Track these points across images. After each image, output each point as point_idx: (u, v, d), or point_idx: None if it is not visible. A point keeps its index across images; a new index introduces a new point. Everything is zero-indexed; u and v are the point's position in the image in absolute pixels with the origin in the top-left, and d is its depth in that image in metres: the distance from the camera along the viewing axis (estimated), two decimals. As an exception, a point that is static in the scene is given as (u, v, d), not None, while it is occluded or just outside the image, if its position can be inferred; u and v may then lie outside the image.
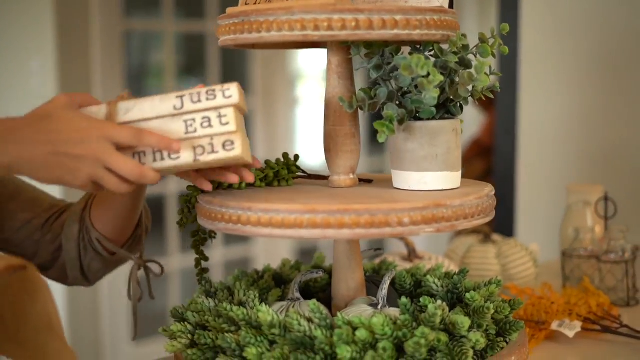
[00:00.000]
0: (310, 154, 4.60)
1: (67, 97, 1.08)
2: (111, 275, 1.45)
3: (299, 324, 1.12)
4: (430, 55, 1.21)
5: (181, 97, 1.09)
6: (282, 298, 1.35)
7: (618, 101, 2.40)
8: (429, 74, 1.13)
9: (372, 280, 1.35)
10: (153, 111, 1.10)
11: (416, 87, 1.19)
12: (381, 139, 1.14)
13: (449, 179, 1.22)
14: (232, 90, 1.10)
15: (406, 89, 1.22)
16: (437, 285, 1.30)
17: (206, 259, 1.37)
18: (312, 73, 5.62)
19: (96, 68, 3.60)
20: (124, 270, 3.94)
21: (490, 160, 3.05)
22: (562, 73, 2.51)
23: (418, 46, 1.25)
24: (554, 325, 1.44)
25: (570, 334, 1.42)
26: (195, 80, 6.07)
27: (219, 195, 1.20)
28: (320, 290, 1.41)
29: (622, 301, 1.66)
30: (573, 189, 1.89)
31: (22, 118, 1.06)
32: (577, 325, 1.43)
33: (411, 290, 1.37)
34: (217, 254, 4.00)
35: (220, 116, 1.09)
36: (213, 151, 1.08)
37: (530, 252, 1.75)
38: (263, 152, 4.16)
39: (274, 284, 1.40)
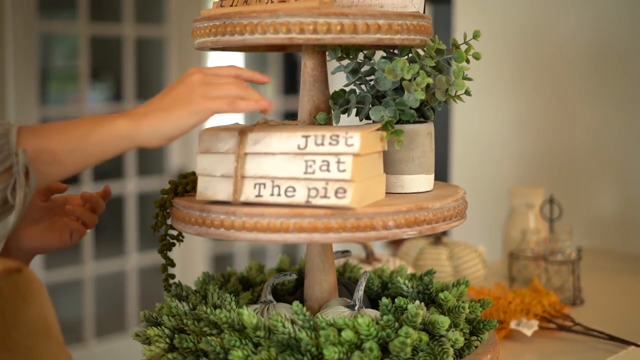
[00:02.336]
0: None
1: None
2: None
3: (284, 326, 1.12)
4: (407, 60, 1.23)
5: (306, 137, 1.11)
6: (252, 301, 1.34)
7: (555, 104, 2.47)
8: (413, 77, 1.15)
9: (339, 282, 1.36)
10: (279, 146, 1.12)
11: (395, 90, 1.21)
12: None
13: (424, 181, 1.25)
14: (355, 139, 1.09)
15: (381, 92, 1.24)
16: (407, 286, 1.32)
17: (173, 264, 1.35)
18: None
19: (9, 69, 3.50)
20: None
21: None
22: (497, 76, 2.58)
23: (392, 50, 1.27)
24: (513, 324, 1.48)
25: (529, 332, 1.47)
26: (103, 85, 5.95)
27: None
28: (287, 293, 1.42)
29: (568, 300, 1.72)
30: (515, 191, 1.94)
31: None
32: (534, 324, 1.48)
33: (378, 291, 1.39)
34: (132, 260, 3.94)
35: (339, 162, 1.09)
36: (325, 196, 1.09)
37: (479, 253, 1.79)
38: (179, 159, 4.11)
39: (241, 287, 1.39)
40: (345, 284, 1.36)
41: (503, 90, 2.56)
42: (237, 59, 5.36)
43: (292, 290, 1.43)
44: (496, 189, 2.48)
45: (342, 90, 1.28)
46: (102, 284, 4.17)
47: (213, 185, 1.15)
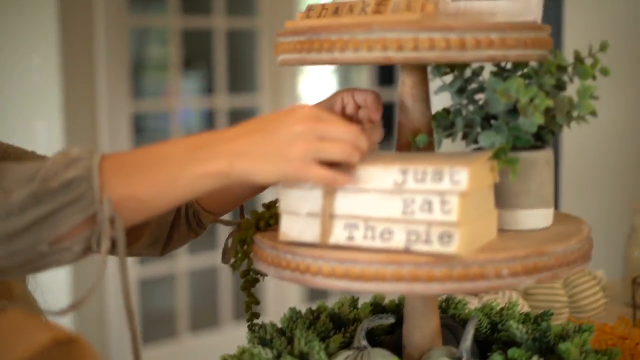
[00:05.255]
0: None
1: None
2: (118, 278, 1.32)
3: (381, 387, 0.98)
4: (522, 77, 1.07)
5: (404, 172, 0.95)
6: (344, 344, 1.20)
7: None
8: (532, 99, 0.98)
9: (442, 324, 1.21)
10: (372, 182, 0.97)
11: (509, 112, 1.05)
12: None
13: (542, 216, 1.08)
14: (461, 175, 0.93)
15: (492, 114, 1.08)
16: (520, 332, 1.16)
17: (257, 302, 1.22)
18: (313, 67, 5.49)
19: (100, 64, 3.45)
20: (130, 273, 3.78)
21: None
22: (610, 77, 2.37)
23: (502, 65, 1.10)
24: (641, 370, 1.30)
25: (660, 380, 1.29)
26: (196, 74, 5.90)
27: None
28: (383, 332, 1.27)
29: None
30: None
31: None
32: (667, 370, 1.30)
33: (487, 334, 1.23)
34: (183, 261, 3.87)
35: (443, 202, 0.93)
36: (427, 240, 0.94)
37: (598, 280, 1.60)
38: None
39: (332, 325, 1.25)
40: (450, 325, 1.21)
41: (618, 93, 2.35)
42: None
43: (389, 329, 1.28)
44: (612, 204, 2.27)
45: (446, 111, 1.12)
46: (196, 278, 4.12)
47: (298, 225, 1.01)
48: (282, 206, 1.03)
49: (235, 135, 0.95)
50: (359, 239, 0.98)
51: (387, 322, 1.17)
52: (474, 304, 1.41)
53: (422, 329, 1.13)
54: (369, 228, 0.97)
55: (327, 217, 0.99)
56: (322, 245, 0.99)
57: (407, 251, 0.95)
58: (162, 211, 0.96)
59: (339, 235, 0.99)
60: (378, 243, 0.97)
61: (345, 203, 0.99)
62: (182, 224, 1.26)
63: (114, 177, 0.92)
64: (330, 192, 0.99)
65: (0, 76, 3.63)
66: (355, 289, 0.96)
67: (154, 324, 4.08)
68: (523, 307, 1.42)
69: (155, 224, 1.25)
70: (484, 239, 1.01)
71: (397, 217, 0.96)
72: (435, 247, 0.94)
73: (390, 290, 0.96)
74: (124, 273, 0.96)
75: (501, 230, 1.07)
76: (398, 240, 0.96)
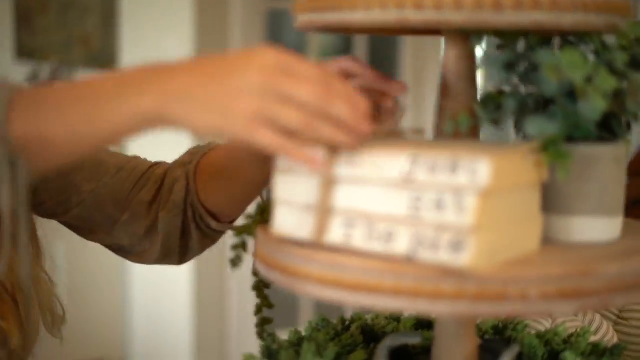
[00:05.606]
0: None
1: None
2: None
3: None
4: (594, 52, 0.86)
5: (414, 159, 0.76)
6: (367, 363, 1.02)
7: None
8: (591, 78, 0.77)
9: (489, 349, 1.00)
10: (376, 171, 0.79)
11: (568, 94, 0.83)
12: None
13: (604, 227, 0.86)
14: (482, 167, 0.73)
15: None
16: (579, 368, 0.94)
17: (270, 305, 1.06)
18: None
19: (235, 46, 3.38)
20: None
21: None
22: None
23: (568, 36, 0.89)
24: None
25: None
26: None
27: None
28: (422, 351, 1.08)
29: None
30: None
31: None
32: None
33: (544, 365, 1.02)
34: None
35: (457, 200, 0.74)
36: (434, 247, 0.75)
37: None
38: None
39: (361, 339, 1.08)
40: (496, 352, 1.00)
41: None
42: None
43: (428, 347, 1.08)
44: None
45: (500, 92, 0.92)
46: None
47: (292, 218, 0.84)
48: (277, 194, 0.86)
49: (176, 72, 0.78)
50: (358, 240, 0.80)
51: (414, 341, 0.98)
52: (545, 326, 1.19)
53: (453, 354, 0.93)
54: (369, 227, 0.79)
55: (324, 210, 0.82)
56: (317, 243, 0.82)
57: (410, 259, 0.77)
58: (78, 157, 0.83)
59: (335, 233, 0.81)
60: (378, 246, 0.79)
61: (346, 195, 0.81)
62: (194, 229, 1.12)
63: (23, 113, 0.78)
64: (328, 180, 0.82)
65: (140, 58, 3.63)
66: (345, 300, 0.78)
67: (277, 310, 4.00)
68: (607, 334, 1.19)
69: (163, 234, 1.11)
70: (518, 250, 0.80)
71: (401, 216, 0.77)
72: (444, 256, 0.75)
73: (389, 306, 0.77)
74: (14, 225, 0.81)
75: (550, 241, 0.85)
76: (400, 244, 0.77)
